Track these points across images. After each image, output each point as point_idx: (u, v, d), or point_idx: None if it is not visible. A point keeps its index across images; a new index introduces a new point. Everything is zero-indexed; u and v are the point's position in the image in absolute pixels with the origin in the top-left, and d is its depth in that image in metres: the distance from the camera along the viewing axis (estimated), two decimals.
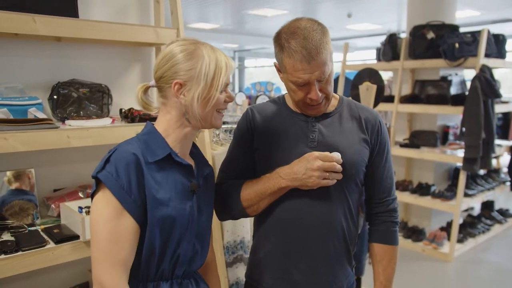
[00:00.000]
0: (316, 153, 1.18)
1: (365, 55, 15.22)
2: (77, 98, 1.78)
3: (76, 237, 1.56)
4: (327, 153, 1.19)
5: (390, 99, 4.45)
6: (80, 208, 1.61)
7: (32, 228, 1.64)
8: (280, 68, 1.24)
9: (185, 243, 1.11)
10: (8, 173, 1.71)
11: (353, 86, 2.82)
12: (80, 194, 1.81)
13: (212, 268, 1.36)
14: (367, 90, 2.27)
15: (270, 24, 10.94)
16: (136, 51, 2.07)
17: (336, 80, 4.78)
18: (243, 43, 15.02)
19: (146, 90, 1.18)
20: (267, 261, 1.31)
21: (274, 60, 1.28)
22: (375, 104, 2.54)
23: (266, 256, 1.31)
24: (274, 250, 1.30)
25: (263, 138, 1.31)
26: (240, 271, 1.94)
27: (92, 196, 1.07)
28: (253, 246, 1.39)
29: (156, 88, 1.14)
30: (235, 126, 2.19)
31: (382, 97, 2.67)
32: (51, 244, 1.52)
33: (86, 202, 1.66)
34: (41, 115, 1.63)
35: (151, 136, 1.11)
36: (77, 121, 1.69)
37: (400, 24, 10.31)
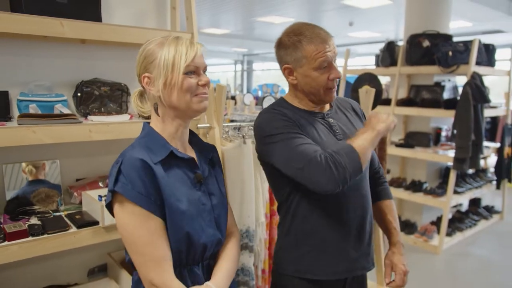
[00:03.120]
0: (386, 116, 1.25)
1: (365, 61, 15.12)
2: (99, 96, 1.79)
3: (96, 222, 1.57)
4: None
5: (387, 102, 4.43)
6: (100, 196, 1.62)
7: (57, 214, 1.65)
8: (295, 65, 1.24)
9: (207, 230, 1.09)
10: (24, 165, 1.70)
11: (353, 90, 2.81)
12: (100, 184, 1.83)
13: (233, 238, 1.24)
14: (366, 93, 2.25)
15: (277, 30, 10.89)
16: None
17: (338, 84, 4.77)
18: (251, 48, 15.00)
19: (141, 94, 1.16)
20: (323, 249, 1.29)
21: (281, 64, 1.29)
22: (373, 107, 2.52)
23: (321, 245, 1.29)
24: (329, 236, 1.29)
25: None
26: (245, 258, 1.94)
27: (108, 206, 1.04)
28: (294, 241, 1.33)
29: None
30: (243, 124, 2.19)
31: (380, 100, 2.66)
32: (74, 229, 1.53)
33: (105, 191, 1.66)
34: (66, 111, 1.64)
35: (150, 137, 1.07)
36: (98, 116, 1.70)
37: (398, 32, 10.24)
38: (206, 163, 1.18)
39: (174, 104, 1.05)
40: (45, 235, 1.45)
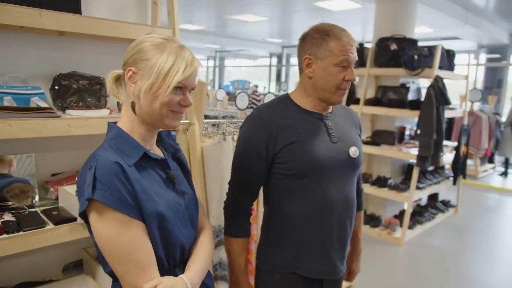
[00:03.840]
0: None
1: None
2: (77, 89, 1.69)
3: (74, 219, 1.49)
4: None
5: (356, 101, 4.49)
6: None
7: (32, 210, 1.55)
8: (317, 57, 1.24)
9: (184, 231, 1.05)
10: None
11: None
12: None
13: (205, 232, 1.18)
14: None
15: (250, 28, 10.86)
16: None
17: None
18: (224, 45, 14.85)
19: (117, 78, 1.05)
20: (304, 246, 1.29)
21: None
22: (347, 105, 2.55)
23: (302, 243, 1.29)
24: (311, 236, 1.28)
25: (288, 137, 1.25)
26: (223, 253, 1.91)
27: (82, 215, 0.94)
28: (275, 237, 1.33)
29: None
30: (222, 121, 2.15)
31: (353, 99, 2.68)
32: (51, 225, 1.44)
33: None
34: (43, 104, 1.54)
35: (120, 139, 0.99)
36: (76, 111, 1.61)
37: (364, 35, 10.42)
38: (174, 161, 1.14)
39: (148, 111, 0.97)
40: (21, 232, 1.36)
